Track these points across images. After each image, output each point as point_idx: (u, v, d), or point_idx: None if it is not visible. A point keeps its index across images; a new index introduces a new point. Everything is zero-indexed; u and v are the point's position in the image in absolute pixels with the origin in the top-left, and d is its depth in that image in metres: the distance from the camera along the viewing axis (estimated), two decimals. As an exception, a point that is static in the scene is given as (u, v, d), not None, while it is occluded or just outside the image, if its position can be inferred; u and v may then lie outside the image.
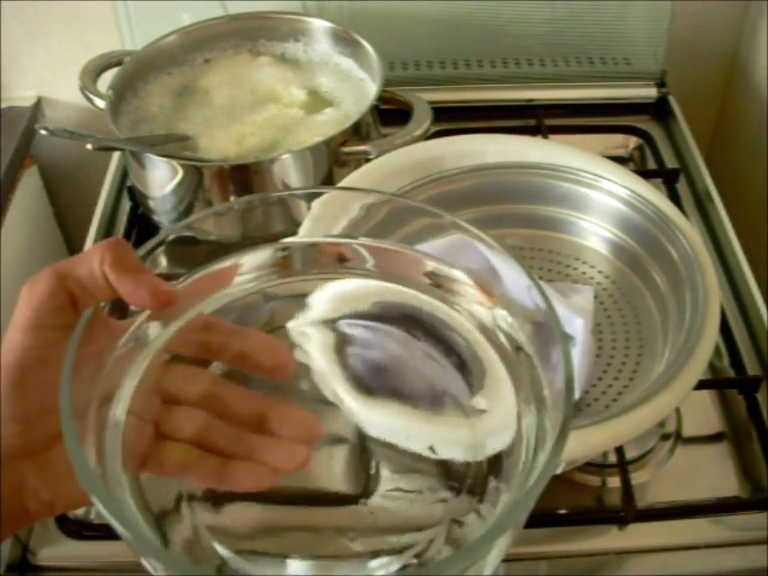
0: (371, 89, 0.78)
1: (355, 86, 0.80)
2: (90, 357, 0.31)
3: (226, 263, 0.37)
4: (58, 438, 0.30)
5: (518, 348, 0.35)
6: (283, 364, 0.35)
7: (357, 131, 0.73)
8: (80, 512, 0.61)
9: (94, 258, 0.30)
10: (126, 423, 0.32)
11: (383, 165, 0.67)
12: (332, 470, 0.36)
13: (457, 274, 0.38)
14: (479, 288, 0.37)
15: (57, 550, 0.59)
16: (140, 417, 0.33)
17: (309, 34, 0.83)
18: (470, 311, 0.37)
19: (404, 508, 0.35)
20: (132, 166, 0.77)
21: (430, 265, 0.38)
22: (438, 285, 0.38)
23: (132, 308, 0.33)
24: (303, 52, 0.84)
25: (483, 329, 0.37)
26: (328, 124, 0.75)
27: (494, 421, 0.35)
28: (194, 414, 0.33)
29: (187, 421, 0.33)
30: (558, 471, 0.57)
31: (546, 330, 0.33)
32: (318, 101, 0.79)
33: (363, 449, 0.36)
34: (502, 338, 0.36)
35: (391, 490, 0.35)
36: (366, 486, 0.36)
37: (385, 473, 0.36)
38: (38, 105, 1.00)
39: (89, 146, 0.69)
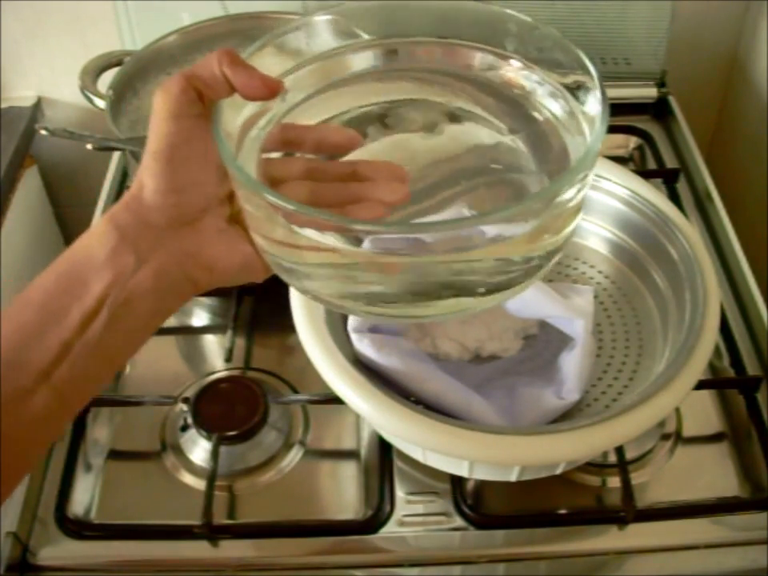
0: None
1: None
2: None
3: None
4: (205, 209, 0.39)
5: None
6: (354, 137, 0.41)
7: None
8: (80, 512, 0.61)
9: (213, 62, 0.37)
10: None
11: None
12: None
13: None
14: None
15: (57, 550, 0.59)
16: None
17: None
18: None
19: None
20: (132, 165, 0.77)
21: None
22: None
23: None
24: (306, 44, 0.84)
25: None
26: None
27: None
28: (301, 184, 0.40)
29: (297, 189, 0.39)
30: (558, 471, 0.57)
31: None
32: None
33: None
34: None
35: None
36: None
37: None
38: (37, 105, 1.00)
39: (89, 146, 0.69)
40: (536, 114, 0.42)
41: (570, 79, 0.41)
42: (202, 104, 0.38)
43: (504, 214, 0.35)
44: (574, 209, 0.38)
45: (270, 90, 0.38)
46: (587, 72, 0.39)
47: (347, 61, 0.45)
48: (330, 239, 0.35)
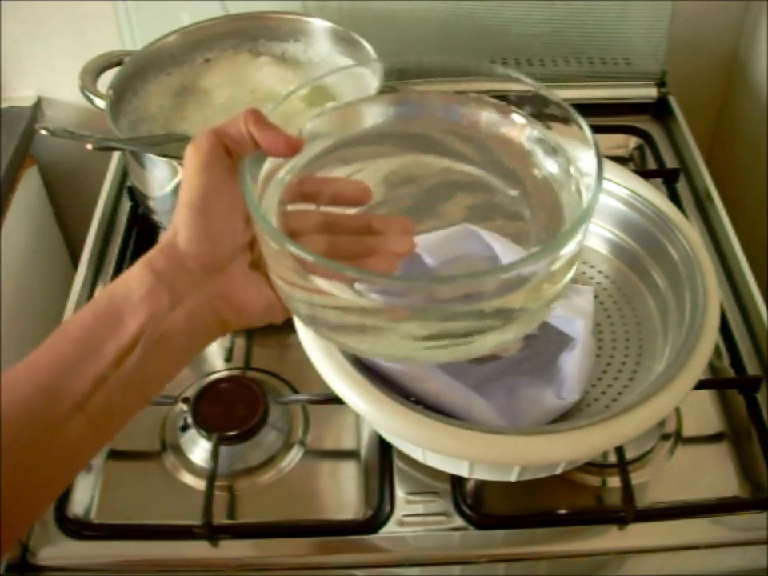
0: (372, 83, 0.78)
1: (356, 80, 0.80)
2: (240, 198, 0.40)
3: None
4: (233, 257, 0.41)
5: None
6: (367, 191, 0.44)
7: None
8: (80, 512, 0.61)
9: (240, 121, 0.40)
10: None
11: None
12: None
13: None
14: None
15: (57, 550, 0.59)
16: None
17: (309, 34, 0.83)
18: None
19: None
20: (132, 165, 0.77)
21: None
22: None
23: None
24: (303, 52, 0.84)
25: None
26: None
27: None
28: (319, 237, 0.42)
29: (316, 241, 0.42)
30: (558, 471, 0.57)
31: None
32: (319, 95, 0.79)
33: None
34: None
35: None
36: None
37: None
38: (37, 105, 1.00)
39: (89, 146, 0.69)
40: (535, 171, 0.45)
41: (568, 137, 0.43)
42: (230, 158, 0.41)
43: (503, 274, 0.38)
44: (571, 261, 0.40)
45: (292, 148, 0.41)
46: (583, 133, 0.42)
47: (360, 113, 0.49)
48: (339, 286, 0.38)
